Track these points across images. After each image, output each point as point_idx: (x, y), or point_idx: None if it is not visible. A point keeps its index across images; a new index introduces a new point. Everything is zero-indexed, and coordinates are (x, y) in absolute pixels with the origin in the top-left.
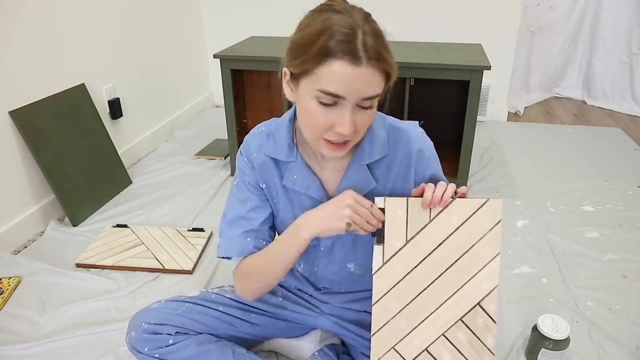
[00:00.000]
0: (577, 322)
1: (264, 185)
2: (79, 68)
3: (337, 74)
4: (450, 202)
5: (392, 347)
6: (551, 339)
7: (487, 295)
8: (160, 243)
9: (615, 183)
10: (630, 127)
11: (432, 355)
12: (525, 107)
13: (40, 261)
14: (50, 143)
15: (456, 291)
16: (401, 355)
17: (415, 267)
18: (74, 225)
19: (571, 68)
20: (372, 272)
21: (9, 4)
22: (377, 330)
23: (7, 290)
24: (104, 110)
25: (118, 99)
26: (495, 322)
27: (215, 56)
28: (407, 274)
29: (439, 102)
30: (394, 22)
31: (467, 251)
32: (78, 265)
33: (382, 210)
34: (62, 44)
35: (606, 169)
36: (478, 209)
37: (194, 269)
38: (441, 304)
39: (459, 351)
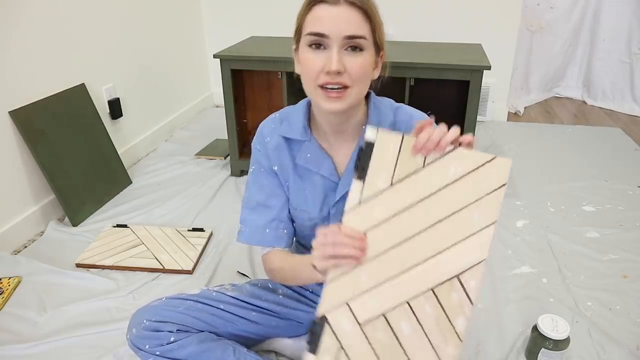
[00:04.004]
0: (577, 322)
1: (276, 167)
2: (79, 68)
3: (318, 15)
4: (450, 150)
5: (345, 302)
6: (551, 339)
7: (469, 269)
8: (160, 243)
9: (615, 183)
10: (630, 127)
11: (388, 323)
12: (525, 107)
13: (40, 261)
14: (50, 143)
15: (435, 255)
16: (353, 314)
17: (395, 216)
18: (74, 225)
19: (571, 68)
20: (345, 210)
21: (9, 4)
22: (334, 279)
23: (7, 290)
24: (104, 110)
25: (118, 99)
26: (472, 303)
27: (215, 56)
28: (383, 222)
29: (439, 102)
30: (394, 23)
31: (458, 211)
32: (78, 265)
33: (371, 144)
34: (62, 44)
35: (606, 169)
36: (482, 165)
37: (194, 269)
38: (414, 266)
39: (421, 325)
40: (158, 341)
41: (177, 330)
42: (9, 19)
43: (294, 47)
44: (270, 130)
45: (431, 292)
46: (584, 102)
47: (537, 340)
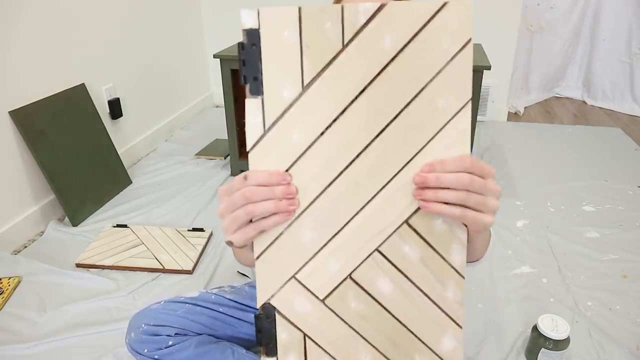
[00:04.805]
0: (577, 322)
1: None
2: (79, 68)
3: None
4: (378, 10)
5: (293, 276)
6: (551, 339)
7: None
8: (160, 243)
9: (615, 183)
10: (630, 127)
11: (359, 286)
12: (525, 107)
13: (40, 261)
14: (50, 143)
15: (398, 172)
16: (307, 289)
17: (324, 132)
18: (74, 225)
19: (571, 68)
20: (247, 149)
21: (9, 4)
22: (265, 250)
23: (7, 290)
24: (104, 110)
25: (118, 99)
26: (465, 225)
27: (215, 56)
28: (309, 147)
29: None
30: None
31: (413, 100)
32: (78, 265)
33: (255, 34)
34: (62, 44)
35: (606, 169)
36: (428, 21)
37: (193, 269)
38: (371, 198)
39: (404, 275)
40: (156, 345)
41: (176, 334)
42: (9, 19)
43: None
44: None
45: (406, 225)
46: (584, 102)
47: (537, 340)
